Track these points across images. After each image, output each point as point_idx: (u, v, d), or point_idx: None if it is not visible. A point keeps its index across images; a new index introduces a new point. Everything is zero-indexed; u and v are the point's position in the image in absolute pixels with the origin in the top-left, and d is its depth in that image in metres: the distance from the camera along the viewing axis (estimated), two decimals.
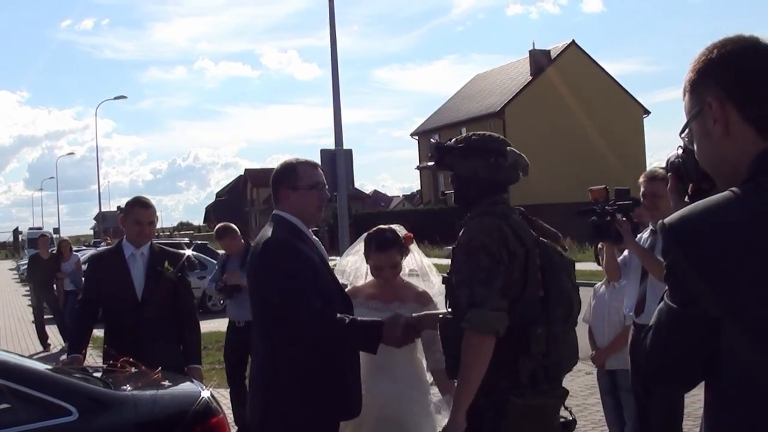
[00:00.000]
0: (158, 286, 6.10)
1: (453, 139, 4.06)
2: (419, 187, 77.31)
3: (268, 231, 4.33)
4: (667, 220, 1.96)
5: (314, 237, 4.50)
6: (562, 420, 4.00)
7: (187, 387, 4.59)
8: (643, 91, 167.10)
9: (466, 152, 3.93)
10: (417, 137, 70.62)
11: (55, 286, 17.04)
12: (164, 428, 4.10)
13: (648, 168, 7.23)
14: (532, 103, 58.23)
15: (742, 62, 1.99)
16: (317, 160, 11.84)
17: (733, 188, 1.93)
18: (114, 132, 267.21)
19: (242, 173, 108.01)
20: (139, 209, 6.21)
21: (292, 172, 4.44)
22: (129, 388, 4.20)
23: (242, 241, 9.43)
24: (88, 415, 3.84)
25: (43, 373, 4.23)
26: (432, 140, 4.16)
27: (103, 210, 69.28)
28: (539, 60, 61.46)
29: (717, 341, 1.89)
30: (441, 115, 69.31)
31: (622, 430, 6.49)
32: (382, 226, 5.10)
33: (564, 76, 58.91)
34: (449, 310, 3.95)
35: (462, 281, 3.71)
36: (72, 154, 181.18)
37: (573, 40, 62.69)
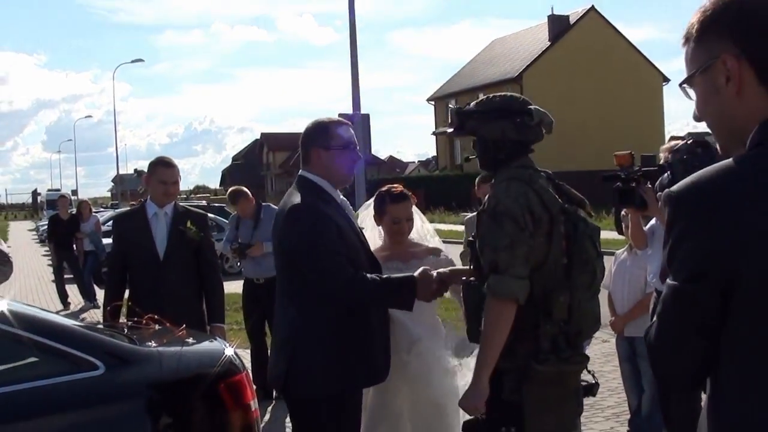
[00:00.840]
0: (181, 245, 6.15)
1: (472, 103, 4.02)
2: (435, 153, 77.10)
3: (294, 195, 4.24)
4: (674, 188, 1.88)
5: (342, 197, 4.41)
6: (584, 383, 4.03)
7: (211, 344, 4.63)
8: (662, 59, 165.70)
9: (489, 114, 3.90)
10: (433, 102, 70.28)
11: (74, 246, 17.21)
12: (189, 384, 4.14)
13: (667, 136, 7.19)
14: (551, 69, 57.82)
15: (766, 20, 1.87)
16: None
17: (743, 154, 1.86)
18: (130, 95, 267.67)
19: (258, 137, 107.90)
20: (163, 169, 6.24)
21: (324, 131, 4.33)
22: (154, 344, 4.23)
23: (254, 202, 9.52)
24: (114, 370, 3.87)
25: (70, 327, 4.26)
26: (450, 106, 4.14)
27: (120, 173, 69.47)
28: (558, 25, 60.94)
29: (723, 320, 1.83)
30: (458, 80, 68.92)
31: (640, 397, 6.48)
32: (390, 185, 5.16)
33: (583, 41, 58.48)
34: (473, 274, 3.97)
35: (486, 246, 3.71)
36: (89, 117, 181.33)
37: (592, 6, 62.08)
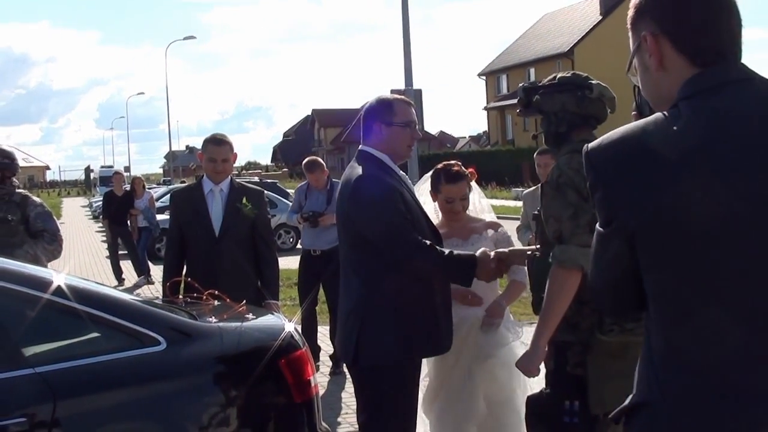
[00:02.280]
0: (236, 221, 6.14)
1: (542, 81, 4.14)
2: (486, 129, 76.82)
3: (356, 168, 4.34)
4: (589, 145, 2.10)
5: (401, 172, 4.50)
6: None
7: (271, 320, 4.64)
8: None
9: (552, 89, 4.01)
10: (484, 77, 70.07)
11: (129, 222, 17.37)
12: (250, 360, 4.14)
13: None
14: (602, 44, 57.12)
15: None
16: None
17: (655, 114, 2.05)
18: (182, 72, 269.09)
19: (308, 113, 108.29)
20: (213, 146, 6.22)
21: (388, 107, 4.43)
22: (214, 320, 4.24)
23: (327, 175, 9.72)
24: (176, 345, 3.89)
25: (131, 302, 4.28)
26: (520, 85, 4.21)
27: (172, 150, 70.12)
28: None
29: (636, 260, 2.03)
30: (509, 55, 68.58)
31: None
32: (448, 161, 5.16)
33: None
34: (538, 246, 4.05)
35: (550, 216, 3.77)
36: (142, 93, 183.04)
37: None
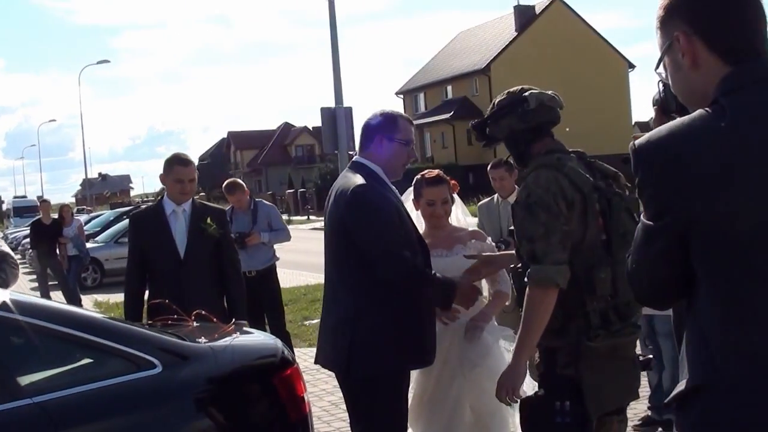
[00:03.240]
0: (201, 242, 6.03)
1: (487, 111, 4.18)
2: None
3: (352, 177, 4.36)
4: (636, 142, 2.14)
5: (393, 187, 4.53)
6: (641, 358, 4.17)
7: (261, 338, 4.61)
8: (626, 45, 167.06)
9: (495, 116, 4.07)
10: (402, 96, 70.46)
11: (58, 251, 16.99)
12: (245, 379, 4.11)
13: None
14: (518, 59, 58.12)
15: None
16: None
17: (699, 110, 2.09)
18: (91, 98, 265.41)
19: (222, 136, 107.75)
20: (179, 167, 6.10)
21: (393, 122, 4.49)
22: (204, 341, 4.17)
23: (249, 195, 9.71)
24: (171, 368, 3.80)
25: (124, 326, 4.17)
26: (470, 124, 4.30)
27: (83, 177, 68.99)
28: (524, 15, 61.43)
29: (685, 254, 2.08)
30: (426, 73, 69.17)
31: (660, 374, 6.54)
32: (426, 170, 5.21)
33: (549, 31, 58.95)
34: (519, 262, 4.08)
35: (522, 237, 3.82)
36: (53, 120, 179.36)
37: None
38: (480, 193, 39.37)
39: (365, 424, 4.38)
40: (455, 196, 5.16)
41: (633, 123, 62.56)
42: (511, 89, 4.13)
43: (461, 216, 5.31)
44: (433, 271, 4.39)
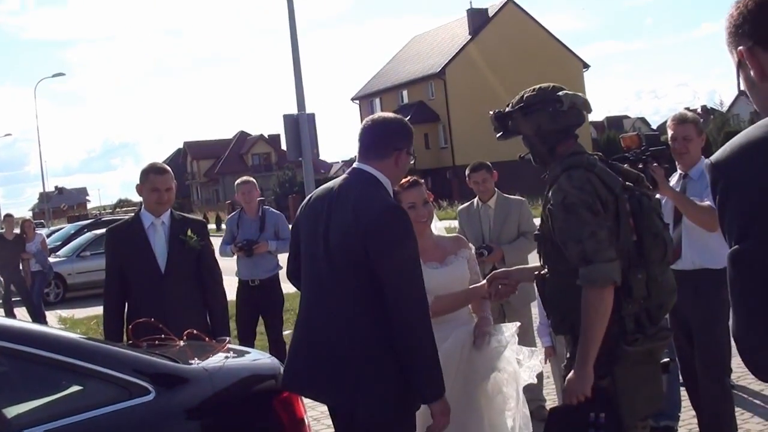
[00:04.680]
0: (182, 255, 5.84)
1: (510, 103, 4.07)
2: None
3: (366, 191, 3.91)
4: (713, 158, 2.04)
5: None
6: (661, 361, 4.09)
7: (258, 358, 4.38)
8: (578, 45, 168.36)
9: (524, 111, 3.96)
10: (358, 101, 70.39)
11: (21, 266, 16.74)
12: (244, 402, 3.87)
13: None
14: (473, 62, 58.43)
15: (762, 9, 2.08)
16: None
17: None
18: (45, 111, 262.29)
19: (179, 147, 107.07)
20: (155, 176, 5.92)
21: (411, 135, 4.14)
22: (198, 362, 3.92)
23: (258, 200, 9.47)
24: (165, 394, 3.57)
25: (112, 349, 3.86)
26: (491, 112, 4.11)
27: (39, 191, 68.38)
28: (477, 18, 61.69)
29: None
30: (381, 78, 69.20)
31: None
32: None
33: (503, 33, 59.26)
34: (545, 266, 4.00)
35: (568, 239, 3.72)
36: (9, 135, 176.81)
37: None
38: (437, 198, 39.31)
39: None
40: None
41: (588, 122, 62.89)
42: (543, 85, 4.01)
43: (437, 224, 5.17)
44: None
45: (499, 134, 4.12)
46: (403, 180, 4.78)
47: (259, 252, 9.02)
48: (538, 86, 4.04)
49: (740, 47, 2.10)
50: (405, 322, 3.74)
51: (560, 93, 3.91)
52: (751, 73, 2.10)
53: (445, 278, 4.71)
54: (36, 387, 3.58)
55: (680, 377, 6.22)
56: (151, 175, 5.95)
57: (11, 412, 3.39)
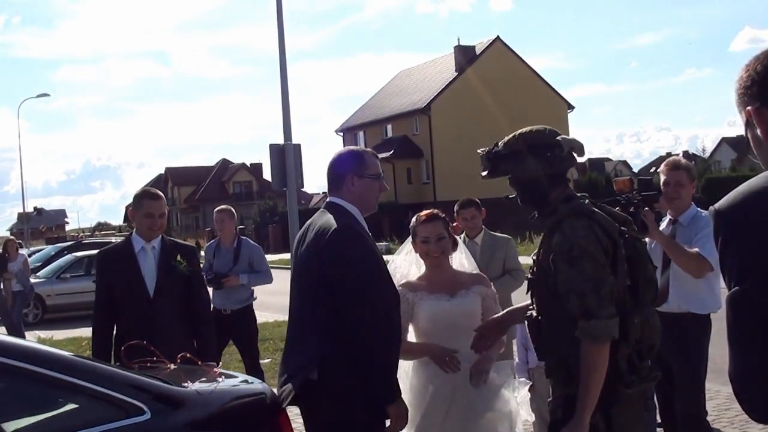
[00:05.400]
0: (171, 280, 5.91)
1: (500, 143, 3.98)
2: None
3: (330, 218, 4.26)
4: (717, 205, 2.15)
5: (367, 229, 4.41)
6: None
7: (249, 381, 4.45)
8: (563, 87, 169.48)
9: (520, 154, 3.88)
10: (342, 133, 70.49)
11: (2, 286, 16.66)
12: (237, 425, 3.96)
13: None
14: (458, 99, 58.61)
15: (766, 70, 2.18)
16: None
17: None
18: (26, 131, 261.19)
19: (159, 172, 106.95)
20: (149, 201, 6.01)
21: (360, 159, 4.46)
22: (190, 384, 3.99)
23: (235, 230, 9.53)
24: (160, 415, 3.63)
25: (109, 369, 3.97)
26: (479, 151, 4.07)
27: (18, 211, 68.15)
28: (464, 55, 61.93)
29: None
30: (366, 111, 69.33)
31: None
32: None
33: (489, 71, 59.46)
34: (533, 306, 4.01)
35: (571, 291, 3.67)
36: None
37: (498, 36, 63.32)
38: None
39: None
40: (459, 239, 5.08)
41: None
42: (539, 128, 3.94)
43: (465, 261, 5.18)
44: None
45: (485, 173, 4.05)
46: (423, 214, 4.99)
47: (229, 285, 9.07)
48: (535, 129, 3.95)
49: (748, 107, 2.19)
50: (355, 334, 4.08)
51: (559, 137, 3.85)
52: (758, 131, 2.20)
53: (451, 310, 4.74)
54: (33, 404, 3.63)
55: (658, 418, 6.29)
56: (145, 200, 6.03)
57: (8, 428, 3.43)
